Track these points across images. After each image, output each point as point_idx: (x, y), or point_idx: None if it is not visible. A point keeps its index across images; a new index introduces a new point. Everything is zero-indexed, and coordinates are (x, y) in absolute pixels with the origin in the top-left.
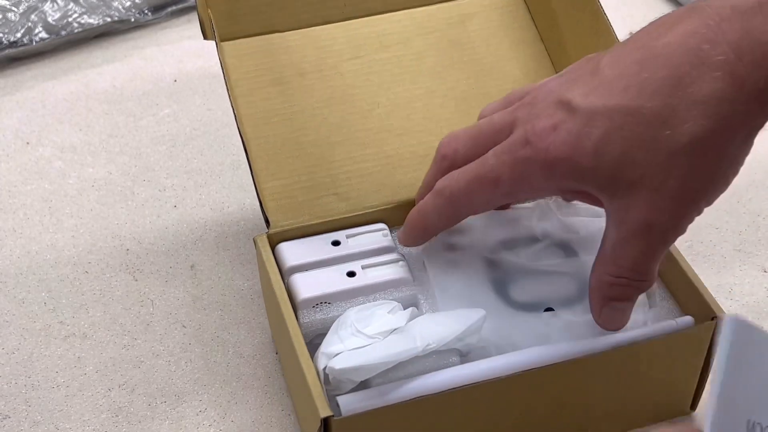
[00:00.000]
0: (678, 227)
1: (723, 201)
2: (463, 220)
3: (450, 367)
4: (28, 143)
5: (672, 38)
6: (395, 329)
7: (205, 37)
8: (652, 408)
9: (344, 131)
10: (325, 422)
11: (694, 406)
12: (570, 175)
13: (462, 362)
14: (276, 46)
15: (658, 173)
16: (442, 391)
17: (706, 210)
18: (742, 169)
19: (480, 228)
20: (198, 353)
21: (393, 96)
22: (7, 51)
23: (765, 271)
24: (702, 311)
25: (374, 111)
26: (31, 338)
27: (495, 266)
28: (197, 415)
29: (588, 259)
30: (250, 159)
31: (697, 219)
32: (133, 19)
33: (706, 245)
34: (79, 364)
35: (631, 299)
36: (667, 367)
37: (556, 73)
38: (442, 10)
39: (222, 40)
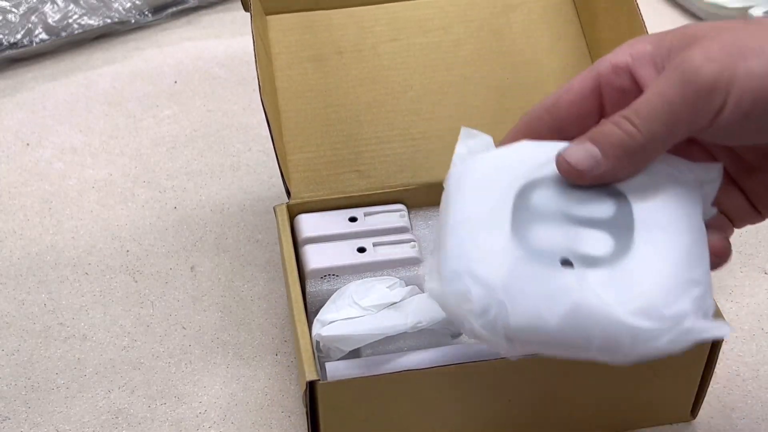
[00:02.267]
0: (708, 69)
1: None
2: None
3: (442, 345)
4: (28, 144)
5: None
6: (391, 304)
7: (246, 9)
8: (653, 414)
9: (374, 111)
10: (311, 385)
11: (694, 413)
12: (650, 39)
13: (453, 343)
14: (318, 23)
15: (722, 29)
16: (427, 368)
17: None
18: None
19: (528, 149)
20: (198, 355)
21: (427, 80)
22: (7, 52)
23: (766, 273)
24: None
25: (406, 93)
26: (31, 339)
27: (524, 197)
28: (197, 416)
29: (641, 213)
30: (275, 131)
31: None
32: (133, 21)
33: None
34: (79, 366)
35: (609, 148)
36: (666, 374)
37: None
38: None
39: (267, 14)
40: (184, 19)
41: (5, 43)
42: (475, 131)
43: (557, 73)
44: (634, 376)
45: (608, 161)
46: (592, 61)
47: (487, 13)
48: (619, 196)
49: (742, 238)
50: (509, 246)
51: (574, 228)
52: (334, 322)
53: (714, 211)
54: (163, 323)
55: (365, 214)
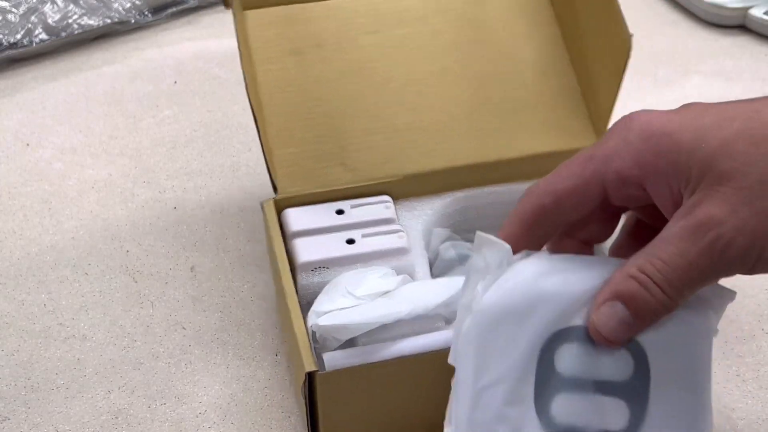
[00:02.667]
0: (739, 246)
1: None
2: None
3: (435, 331)
4: (28, 145)
5: None
6: (384, 293)
7: (227, 6)
8: None
9: (357, 103)
10: (310, 376)
11: None
12: (665, 153)
13: (446, 329)
14: (297, 16)
15: (750, 173)
16: (423, 353)
17: None
18: None
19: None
20: (198, 355)
21: (408, 72)
22: (7, 52)
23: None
24: None
25: (388, 85)
26: (30, 340)
27: (549, 353)
28: (197, 417)
29: (657, 374)
30: (260, 126)
31: None
32: (133, 21)
33: None
34: (78, 366)
35: (639, 312)
36: None
37: (571, 62)
38: None
39: (245, 8)
40: (184, 20)
41: (5, 43)
42: (491, 239)
43: (534, 60)
44: None
45: (641, 325)
46: (567, 50)
47: (461, 2)
48: (638, 351)
49: None
50: (535, 430)
51: (595, 397)
52: (329, 312)
53: (718, 331)
54: (162, 323)
55: (352, 207)
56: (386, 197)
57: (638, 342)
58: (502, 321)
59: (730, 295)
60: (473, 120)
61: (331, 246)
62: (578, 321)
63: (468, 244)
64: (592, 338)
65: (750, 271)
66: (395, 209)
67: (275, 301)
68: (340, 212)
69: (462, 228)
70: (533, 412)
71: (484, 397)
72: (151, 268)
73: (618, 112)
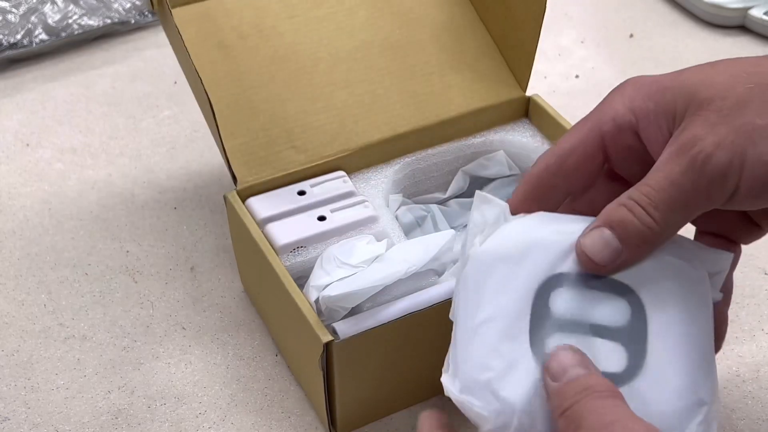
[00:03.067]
0: (719, 159)
1: None
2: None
3: (430, 286)
4: (28, 145)
5: None
6: (376, 257)
7: (152, 8)
8: None
9: (292, 87)
10: (327, 347)
11: None
12: (654, 94)
13: (440, 282)
14: (214, 11)
15: (728, 97)
16: (429, 306)
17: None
18: None
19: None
20: (198, 355)
21: (333, 50)
22: (7, 53)
23: (766, 274)
24: None
25: (318, 66)
26: (30, 340)
27: (543, 296)
28: (197, 417)
29: (654, 320)
30: (218, 119)
31: None
32: (133, 21)
33: None
34: (78, 366)
35: (625, 236)
36: None
37: (480, 18)
38: None
39: (172, 7)
40: None
41: (5, 43)
42: (488, 197)
43: (447, 23)
44: None
45: (628, 252)
46: (476, 10)
47: None
48: (633, 298)
49: None
50: (530, 365)
51: (591, 339)
52: (330, 284)
53: (720, 296)
54: (162, 324)
55: (311, 186)
56: (341, 172)
57: (635, 291)
58: (498, 265)
59: (726, 256)
60: (405, 87)
61: (305, 225)
62: (572, 266)
63: (420, 206)
64: (582, 266)
65: (730, 198)
66: (351, 182)
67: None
68: (301, 193)
69: (412, 192)
70: (528, 348)
71: (480, 333)
72: (151, 268)
73: None
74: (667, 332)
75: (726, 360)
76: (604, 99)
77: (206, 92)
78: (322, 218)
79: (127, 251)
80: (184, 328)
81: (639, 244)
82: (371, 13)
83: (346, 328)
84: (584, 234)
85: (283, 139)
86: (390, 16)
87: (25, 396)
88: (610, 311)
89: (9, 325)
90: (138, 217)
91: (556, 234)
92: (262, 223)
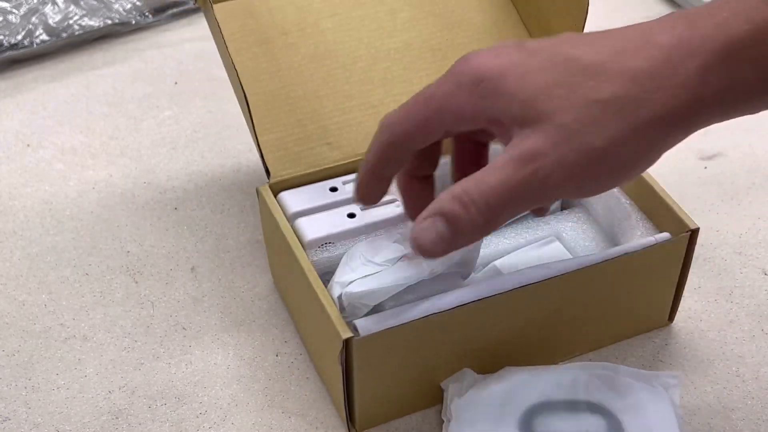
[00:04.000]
0: (557, 176)
1: (723, 204)
2: (501, 375)
3: (454, 288)
4: (28, 145)
5: (634, 27)
6: (402, 256)
7: (195, 2)
8: (634, 320)
9: (330, 85)
10: (346, 343)
11: (671, 318)
12: (492, 96)
13: (464, 285)
14: (258, 7)
15: (568, 112)
16: (451, 308)
17: (707, 213)
18: (742, 172)
19: (517, 383)
20: (198, 355)
21: (372, 50)
22: (7, 53)
23: (766, 274)
24: (677, 227)
25: (356, 64)
26: (31, 340)
27: (527, 423)
28: (197, 417)
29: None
30: (253, 114)
31: (698, 221)
32: (133, 22)
33: (706, 248)
34: (79, 366)
35: (458, 230)
36: (647, 281)
37: (523, 23)
38: None
39: (213, 3)
40: (184, 20)
41: (6, 44)
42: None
43: (489, 28)
44: (623, 285)
45: (457, 242)
46: (520, 14)
47: None
48: (607, 414)
49: (742, 238)
50: None
51: None
52: (355, 281)
53: (681, 413)
54: (163, 324)
55: (344, 183)
56: None
57: (606, 407)
58: (482, 410)
59: (675, 380)
60: None
61: (335, 221)
62: (538, 398)
63: None
64: (415, 252)
65: (565, 197)
66: None
67: (276, 302)
68: (333, 189)
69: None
70: None
71: None
72: (152, 268)
73: None
74: None
75: (726, 361)
76: (445, 79)
77: (242, 86)
78: (351, 215)
79: (128, 251)
80: (184, 328)
81: (468, 236)
82: (413, 14)
83: (367, 326)
84: (419, 221)
85: (318, 136)
86: (432, 17)
87: (26, 396)
88: (589, 423)
89: (9, 325)
90: (138, 217)
91: (525, 377)
92: (293, 218)
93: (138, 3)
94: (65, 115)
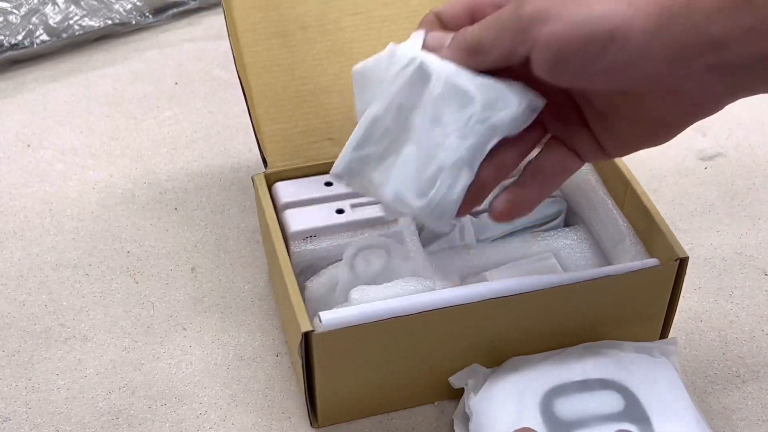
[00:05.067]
0: (535, 12)
1: (723, 204)
2: (509, 366)
3: (426, 291)
4: (29, 146)
5: None
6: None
7: None
8: (629, 338)
9: (341, 82)
10: (306, 336)
11: (664, 337)
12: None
13: (435, 289)
14: (282, 0)
15: None
16: (417, 312)
17: (707, 213)
18: (742, 172)
19: (528, 373)
20: (198, 356)
21: None
22: (8, 53)
23: (766, 275)
24: (668, 254)
25: None
26: (31, 340)
27: (547, 404)
28: (197, 417)
29: (649, 401)
30: (250, 105)
31: (698, 222)
32: (134, 22)
33: (706, 248)
34: (79, 367)
35: (455, 44)
36: (636, 301)
37: None
38: None
39: None
40: (184, 21)
41: (6, 44)
42: None
43: None
44: (607, 305)
45: (451, 53)
46: None
47: None
48: (620, 388)
49: (742, 239)
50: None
51: (605, 425)
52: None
53: (682, 377)
54: (163, 324)
55: None
56: None
57: (619, 383)
58: (502, 395)
59: (674, 346)
60: None
61: (322, 216)
62: (553, 382)
63: None
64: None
65: (534, 46)
66: None
67: (276, 303)
68: (328, 184)
69: None
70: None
71: None
72: (152, 268)
73: None
74: (664, 408)
75: (726, 361)
76: None
77: (240, 76)
78: (340, 211)
79: (128, 252)
80: (184, 328)
81: (461, 48)
82: None
83: (330, 320)
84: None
85: (321, 130)
86: None
87: (26, 396)
88: (606, 402)
89: (10, 325)
90: (139, 217)
91: (534, 373)
92: (283, 208)
93: (138, 3)
94: (65, 116)
